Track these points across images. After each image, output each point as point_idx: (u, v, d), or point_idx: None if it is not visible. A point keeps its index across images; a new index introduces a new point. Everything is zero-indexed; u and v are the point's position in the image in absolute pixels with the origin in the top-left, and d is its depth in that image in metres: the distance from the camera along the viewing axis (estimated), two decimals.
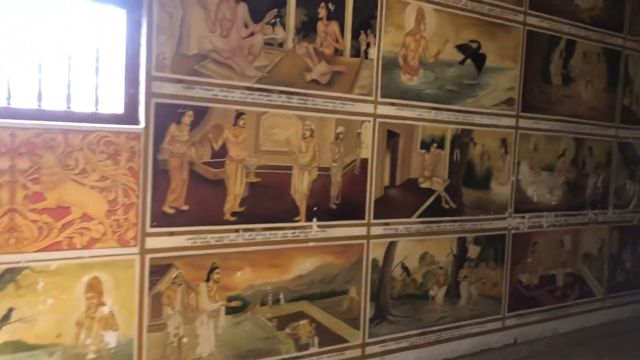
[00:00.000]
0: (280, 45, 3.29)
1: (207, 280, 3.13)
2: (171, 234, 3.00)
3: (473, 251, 4.30)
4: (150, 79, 2.89)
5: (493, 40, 4.25)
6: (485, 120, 4.26)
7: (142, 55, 2.89)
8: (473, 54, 4.16)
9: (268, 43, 3.23)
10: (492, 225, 4.40)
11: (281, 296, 3.39)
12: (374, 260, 3.78)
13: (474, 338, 4.34)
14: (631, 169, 5.41)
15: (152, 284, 2.98)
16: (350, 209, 3.64)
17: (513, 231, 4.53)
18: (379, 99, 3.70)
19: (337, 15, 3.47)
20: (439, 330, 4.14)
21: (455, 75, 4.08)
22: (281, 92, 3.30)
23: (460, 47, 4.10)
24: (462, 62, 4.11)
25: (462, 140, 4.16)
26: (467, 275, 4.28)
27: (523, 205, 4.58)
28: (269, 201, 3.30)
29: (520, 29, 4.40)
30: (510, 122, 4.43)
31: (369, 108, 3.67)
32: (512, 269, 4.55)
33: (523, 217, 4.58)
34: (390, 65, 3.74)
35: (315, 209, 3.47)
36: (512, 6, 4.31)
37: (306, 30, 3.36)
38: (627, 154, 5.35)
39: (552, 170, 4.75)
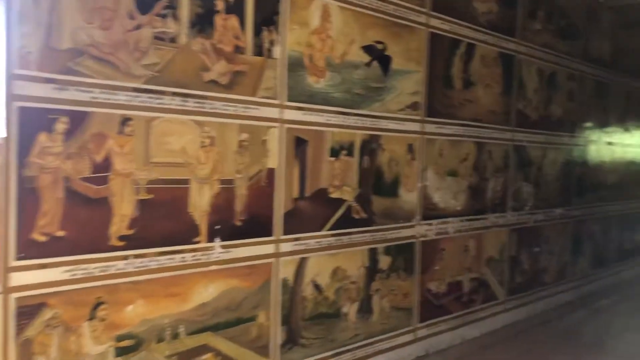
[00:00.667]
0: (173, 40, 2.85)
1: (91, 318, 2.61)
2: (43, 266, 2.45)
3: (384, 262, 4.10)
4: (11, 77, 2.33)
5: (398, 42, 4.08)
6: (392, 125, 4.08)
7: (1, 49, 2.33)
8: (379, 56, 3.97)
9: (158, 38, 2.78)
10: (401, 233, 4.23)
11: (181, 329, 2.94)
12: (284, 280, 3.43)
13: (386, 354, 4.14)
14: (526, 171, 5.54)
15: (20, 329, 2.41)
16: (257, 225, 3.27)
17: (421, 239, 4.40)
18: (286, 103, 3.37)
19: (236, 9, 3.09)
20: (353, 349, 3.88)
21: (362, 77, 3.85)
22: (175, 94, 2.86)
23: (367, 48, 3.88)
24: (368, 64, 3.90)
25: (371, 146, 3.94)
26: (379, 288, 4.07)
27: (430, 211, 4.46)
28: (163, 221, 2.84)
29: (423, 30, 4.28)
30: (416, 127, 4.30)
31: (274, 113, 3.32)
32: (422, 278, 4.42)
33: (430, 224, 4.47)
34: (295, 65, 3.42)
35: (217, 227, 3.06)
36: (415, 7, 4.17)
37: (202, 24, 2.94)
38: (522, 156, 5.46)
39: (456, 175, 4.69)
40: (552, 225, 5.95)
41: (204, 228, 3.00)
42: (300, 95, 3.46)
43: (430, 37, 4.33)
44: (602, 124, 6.75)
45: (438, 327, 4.59)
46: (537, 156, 5.66)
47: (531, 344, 5.11)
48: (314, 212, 3.60)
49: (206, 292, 3.04)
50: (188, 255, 2.95)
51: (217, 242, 3.06)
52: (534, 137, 5.59)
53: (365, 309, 3.97)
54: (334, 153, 3.69)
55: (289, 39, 3.37)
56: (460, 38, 4.62)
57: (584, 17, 6.30)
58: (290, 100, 3.39)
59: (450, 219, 4.65)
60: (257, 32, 3.20)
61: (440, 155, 4.52)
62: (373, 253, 4.01)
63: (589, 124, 6.47)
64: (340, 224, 3.74)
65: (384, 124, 4.01)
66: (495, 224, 5.15)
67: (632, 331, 5.65)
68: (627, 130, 7.30)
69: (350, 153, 3.78)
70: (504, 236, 5.30)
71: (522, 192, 5.49)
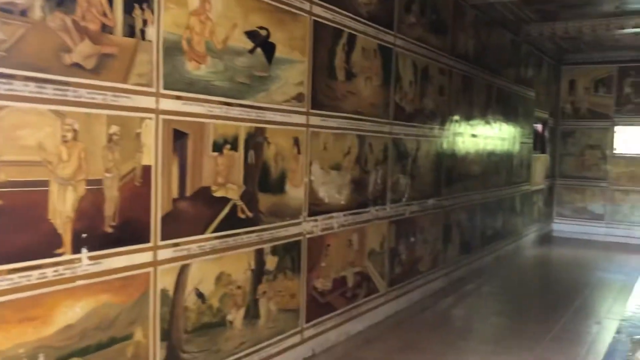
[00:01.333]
0: (24, 13, 2.35)
1: None
2: None
3: (271, 263, 3.87)
4: None
5: (282, 29, 3.84)
6: (278, 117, 3.85)
7: None
8: (263, 43, 3.70)
9: (4, 10, 2.28)
10: (289, 231, 4.02)
11: (41, 358, 2.47)
12: (163, 291, 3.06)
13: (274, 359, 3.92)
14: (403, 163, 5.60)
15: None
16: (132, 231, 2.86)
17: (308, 236, 4.23)
18: (162, 91, 2.99)
19: None
20: (240, 358, 3.61)
21: (246, 65, 3.56)
22: (28, 78, 2.37)
23: (250, 34, 3.59)
24: (252, 51, 3.61)
25: (256, 140, 3.67)
26: (266, 290, 3.83)
27: (316, 207, 4.31)
28: (16, 232, 2.36)
29: (307, 18, 4.08)
30: (302, 119, 4.11)
31: (149, 102, 2.93)
32: (308, 276, 4.26)
33: (316, 220, 4.31)
34: (173, 49, 3.04)
35: (84, 235, 2.62)
36: None
37: None
38: (400, 149, 5.51)
39: (339, 169, 4.58)
40: (425, 215, 6.12)
41: (67, 238, 2.55)
42: (178, 82, 3.09)
43: (314, 25, 4.15)
44: (468, 117, 7.08)
45: (324, 325, 4.47)
46: (412, 148, 5.75)
47: (412, 332, 5.21)
48: (196, 213, 3.25)
49: (72, 312, 2.59)
50: (49, 271, 2.48)
51: (84, 253, 2.62)
52: (410, 129, 5.67)
53: (252, 314, 3.71)
54: (217, 147, 3.36)
55: (164, 19, 2.99)
56: (342, 28, 4.49)
57: (451, 13, 6.52)
58: (167, 88, 3.01)
59: (334, 214, 4.53)
60: (128, 10, 2.79)
61: (325, 148, 4.38)
62: (259, 254, 3.76)
63: (456, 117, 6.74)
64: (225, 225, 3.44)
65: (269, 115, 3.76)
66: (376, 216, 5.15)
67: (497, 315, 6.00)
68: (488, 123, 7.76)
69: (234, 147, 3.48)
70: (384, 228, 5.32)
71: (399, 184, 5.55)
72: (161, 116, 2.99)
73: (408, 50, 5.53)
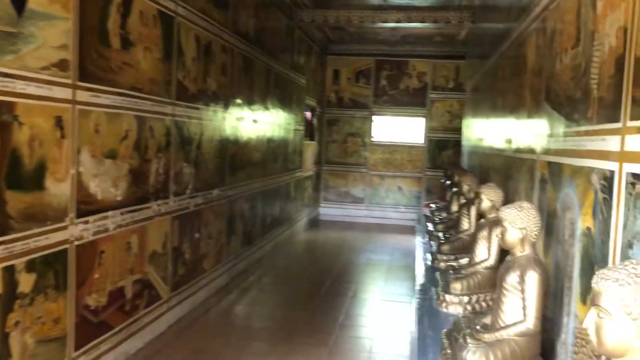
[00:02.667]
0: None
1: None
2: None
3: (26, 283, 2.92)
4: None
5: None
6: (33, 89, 2.89)
7: None
8: None
9: None
10: (50, 239, 3.09)
11: None
12: None
13: None
14: (187, 150, 4.94)
15: None
16: None
17: (77, 242, 3.34)
18: None
19: None
20: None
21: None
22: None
23: None
24: None
25: (1, 119, 2.68)
26: (19, 320, 2.87)
27: (87, 206, 3.43)
28: None
29: None
30: (66, 93, 3.19)
31: None
32: (77, 294, 3.37)
33: (87, 222, 3.43)
34: None
35: None
36: None
37: None
38: (183, 134, 4.83)
39: (115, 157, 3.75)
40: (210, 207, 5.55)
41: None
42: None
43: None
44: (249, 101, 6.68)
45: (98, 349, 3.63)
46: (196, 133, 5.12)
47: (198, 339, 4.64)
48: None
49: None
50: None
51: None
52: (194, 112, 5.03)
53: (1, 354, 2.74)
54: None
55: None
56: None
57: None
58: None
59: (110, 213, 3.69)
60: None
61: (96, 132, 3.50)
62: (9, 274, 2.78)
63: (239, 101, 6.29)
64: None
65: (20, 86, 2.79)
66: (158, 212, 4.41)
67: (283, 308, 5.77)
68: (267, 108, 7.48)
69: None
70: (167, 225, 4.61)
71: (183, 173, 4.88)
72: None
73: (191, 22, 4.86)
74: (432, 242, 5.94)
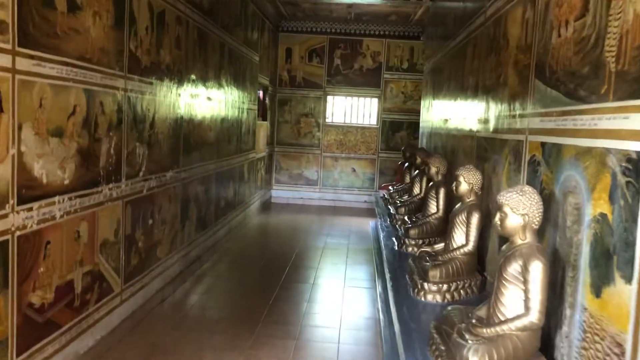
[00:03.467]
0: None
1: None
2: None
3: None
4: None
5: None
6: None
7: None
8: None
9: None
10: None
11: None
12: None
13: None
14: (140, 129, 4.51)
15: None
16: None
17: (19, 233, 2.92)
18: None
19: None
20: None
21: None
22: None
23: None
24: None
25: None
26: None
27: (30, 191, 3.00)
28: None
29: None
30: (5, 61, 2.74)
31: None
32: (20, 291, 2.96)
33: (31, 210, 3.01)
34: None
35: None
36: None
37: None
38: (136, 110, 4.41)
39: (62, 135, 3.31)
40: (164, 191, 5.15)
41: None
42: None
43: None
44: (204, 77, 6.26)
45: (44, 352, 3.23)
46: (150, 110, 4.69)
47: (153, 333, 4.30)
48: None
49: None
50: None
51: None
52: (147, 87, 4.60)
53: None
54: None
55: None
56: None
57: None
58: None
59: (57, 198, 3.27)
60: None
61: (41, 106, 3.06)
62: None
63: (193, 76, 5.86)
64: None
65: None
66: (109, 197, 4.00)
67: (236, 297, 5.46)
68: (221, 86, 7.06)
69: None
70: (120, 211, 4.20)
71: (136, 154, 4.46)
72: None
73: None
74: (396, 226, 5.77)
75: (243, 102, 8.41)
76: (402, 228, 5.31)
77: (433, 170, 5.26)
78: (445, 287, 3.66)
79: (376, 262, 6.64)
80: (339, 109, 11.77)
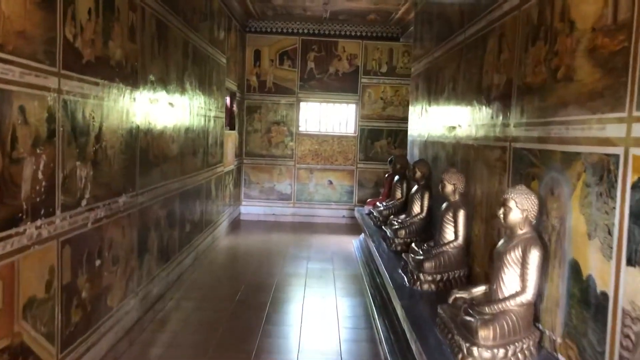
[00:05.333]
0: None
1: None
2: None
3: None
4: None
5: None
6: None
7: None
8: None
9: None
10: None
11: None
12: None
13: None
14: (82, 143, 3.43)
15: None
16: None
17: None
18: None
19: None
20: None
21: None
22: None
23: None
24: None
25: None
26: None
27: None
28: None
29: None
30: None
31: None
32: None
33: None
34: None
35: None
36: None
37: None
38: (77, 120, 3.33)
39: None
40: (116, 221, 4.06)
41: None
42: None
43: None
44: (164, 78, 5.20)
45: None
46: (95, 119, 3.62)
47: None
48: None
49: None
50: None
51: None
52: (92, 88, 3.53)
53: None
54: None
55: None
56: None
57: None
58: None
59: None
60: None
61: None
62: None
63: (152, 77, 4.80)
64: None
65: None
66: (37, 238, 2.90)
67: (208, 348, 4.41)
68: (185, 90, 6.00)
69: None
70: (53, 255, 3.10)
71: (77, 177, 3.38)
72: None
73: None
74: (402, 254, 4.78)
75: (210, 109, 7.35)
76: (411, 259, 4.36)
77: (449, 188, 4.35)
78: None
79: (372, 294, 5.69)
80: (314, 117, 10.80)
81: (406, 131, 10.25)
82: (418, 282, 4.14)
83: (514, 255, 2.84)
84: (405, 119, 10.47)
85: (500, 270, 2.88)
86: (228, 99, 9.43)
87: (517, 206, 2.85)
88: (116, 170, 4.01)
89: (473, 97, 4.69)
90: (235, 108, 9.74)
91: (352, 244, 8.59)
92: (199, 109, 6.71)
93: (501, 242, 3.02)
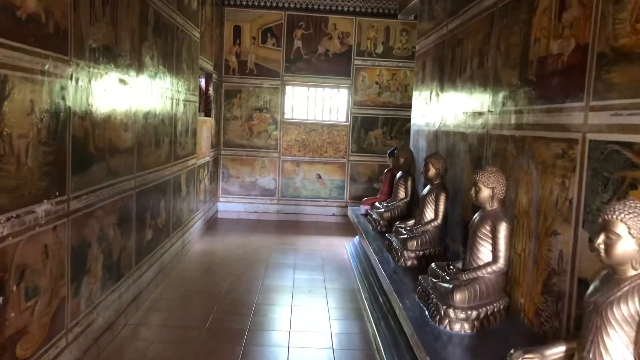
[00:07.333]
0: None
1: None
2: None
3: None
4: None
5: None
6: None
7: None
8: None
9: None
10: None
11: None
12: None
13: None
14: None
15: None
16: None
17: None
18: None
19: None
20: None
21: None
22: None
23: None
24: None
25: None
26: None
27: None
28: None
29: None
30: None
31: None
32: None
33: None
34: None
35: None
36: None
37: None
38: None
39: None
40: (31, 239, 2.92)
41: None
42: None
43: None
44: (112, 48, 4.03)
45: None
46: None
47: None
48: None
49: None
50: None
51: None
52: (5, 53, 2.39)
53: None
54: None
55: None
56: None
57: None
58: None
59: None
60: None
61: None
62: None
63: (94, 44, 3.64)
64: None
65: None
66: None
67: None
68: (142, 64, 4.82)
69: None
70: None
71: None
72: None
73: None
74: (434, 285, 3.66)
75: (178, 91, 6.18)
76: (438, 286, 3.28)
77: (486, 194, 3.28)
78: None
79: (375, 319, 4.61)
80: (301, 103, 9.66)
81: (404, 120, 9.22)
82: (447, 320, 3.12)
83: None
84: (403, 106, 9.41)
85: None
86: (203, 81, 8.26)
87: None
88: (30, 169, 2.86)
89: (513, 73, 3.61)
90: (211, 91, 8.55)
91: (345, 248, 7.52)
92: (164, 90, 5.54)
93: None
